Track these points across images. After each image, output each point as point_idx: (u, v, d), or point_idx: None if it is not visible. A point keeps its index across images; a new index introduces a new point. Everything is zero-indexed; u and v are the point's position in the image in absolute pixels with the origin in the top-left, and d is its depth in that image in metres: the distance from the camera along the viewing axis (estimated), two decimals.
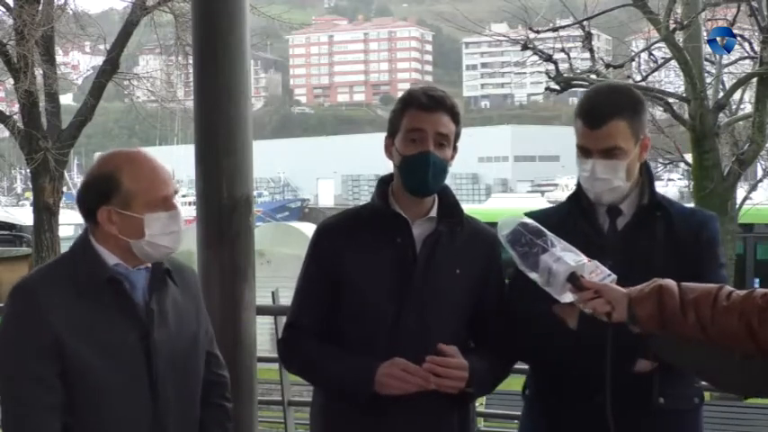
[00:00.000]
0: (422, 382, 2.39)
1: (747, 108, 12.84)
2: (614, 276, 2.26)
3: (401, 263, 2.49)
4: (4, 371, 2.21)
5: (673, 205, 2.61)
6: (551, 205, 3.02)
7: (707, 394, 2.95)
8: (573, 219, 2.58)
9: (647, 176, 2.59)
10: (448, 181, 2.59)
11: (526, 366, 2.80)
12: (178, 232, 2.28)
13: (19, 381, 2.17)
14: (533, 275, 2.30)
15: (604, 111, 2.49)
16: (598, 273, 2.26)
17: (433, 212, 2.55)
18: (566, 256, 2.24)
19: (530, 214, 2.59)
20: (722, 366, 2.19)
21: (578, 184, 2.61)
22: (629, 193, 2.56)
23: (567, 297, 2.26)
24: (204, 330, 2.46)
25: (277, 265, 14.03)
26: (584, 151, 2.53)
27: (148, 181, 2.26)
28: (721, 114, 11.09)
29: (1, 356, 2.21)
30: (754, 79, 10.68)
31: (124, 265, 2.29)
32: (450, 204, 2.57)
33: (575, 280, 2.22)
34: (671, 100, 11.32)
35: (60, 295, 2.21)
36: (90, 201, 2.28)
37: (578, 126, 2.54)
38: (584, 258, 2.26)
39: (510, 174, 76.00)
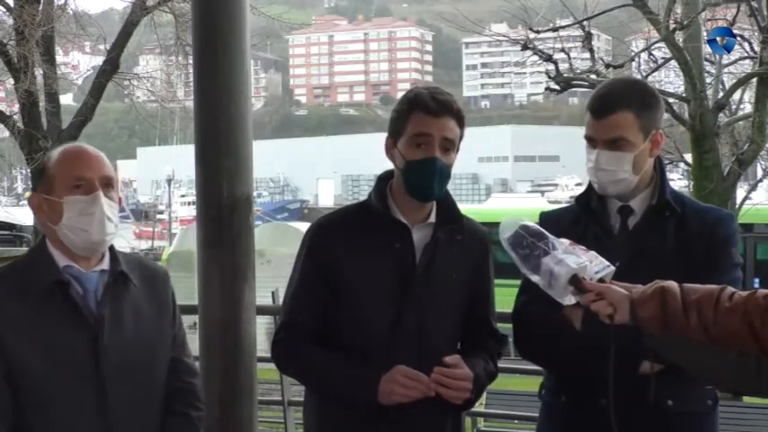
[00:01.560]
0: (424, 389, 2.38)
1: (747, 108, 12.86)
2: (613, 268, 2.25)
3: (400, 268, 2.47)
4: None
5: (686, 204, 2.55)
6: (559, 205, 2.99)
7: None
8: (585, 220, 2.56)
9: (659, 174, 2.55)
10: None
11: (526, 366, 2.79)
12: (95, 215, 2.24)
13: None
14: (535, 278, 2.28)
15: (610, 101, 2.47)
16: (596, 264, 2.24)
17: (432, 218, 2.53)
18: (567, 259, 2.22)
19: (544, 214, 2.56)
20: (717, 365, 2.18)
21: (589, 184, 2.59)
22: (641, 191, 2.53)
23: (569, 299, 2.25)
24: (170, 336, 2.41)
25: (277, 265, 14.04)
26: (590, 141, 2.51)
27: (68, 163, 2.28)
28: (721, 114, 11.10)
29: None
30: (754, 79, 10.68)
31: (77, 268, 2.28)
32: (449, 209, 2.54)
33: (576, 282, 2.21)
34: (671, 100, 11.31)
35: (9, 296, 2.21)
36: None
37: (587, 117, 2.52)
38: (585, 260, 2.24)
39: (510, 174, 76.05)
